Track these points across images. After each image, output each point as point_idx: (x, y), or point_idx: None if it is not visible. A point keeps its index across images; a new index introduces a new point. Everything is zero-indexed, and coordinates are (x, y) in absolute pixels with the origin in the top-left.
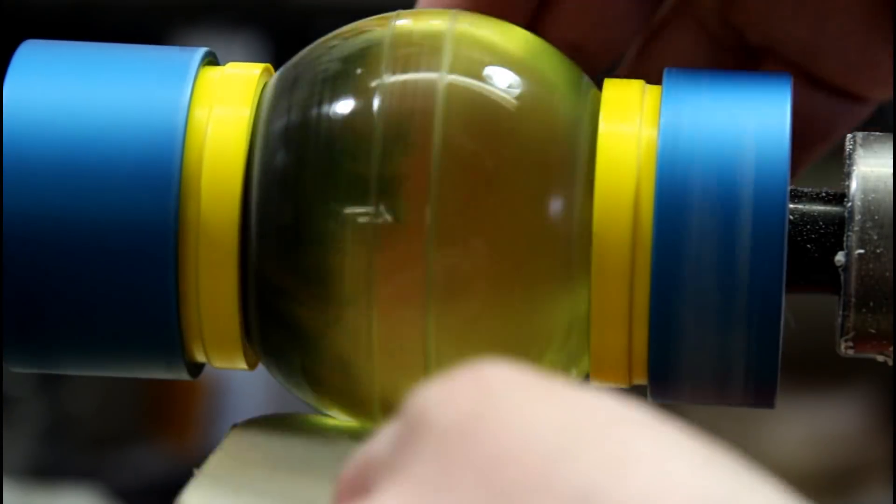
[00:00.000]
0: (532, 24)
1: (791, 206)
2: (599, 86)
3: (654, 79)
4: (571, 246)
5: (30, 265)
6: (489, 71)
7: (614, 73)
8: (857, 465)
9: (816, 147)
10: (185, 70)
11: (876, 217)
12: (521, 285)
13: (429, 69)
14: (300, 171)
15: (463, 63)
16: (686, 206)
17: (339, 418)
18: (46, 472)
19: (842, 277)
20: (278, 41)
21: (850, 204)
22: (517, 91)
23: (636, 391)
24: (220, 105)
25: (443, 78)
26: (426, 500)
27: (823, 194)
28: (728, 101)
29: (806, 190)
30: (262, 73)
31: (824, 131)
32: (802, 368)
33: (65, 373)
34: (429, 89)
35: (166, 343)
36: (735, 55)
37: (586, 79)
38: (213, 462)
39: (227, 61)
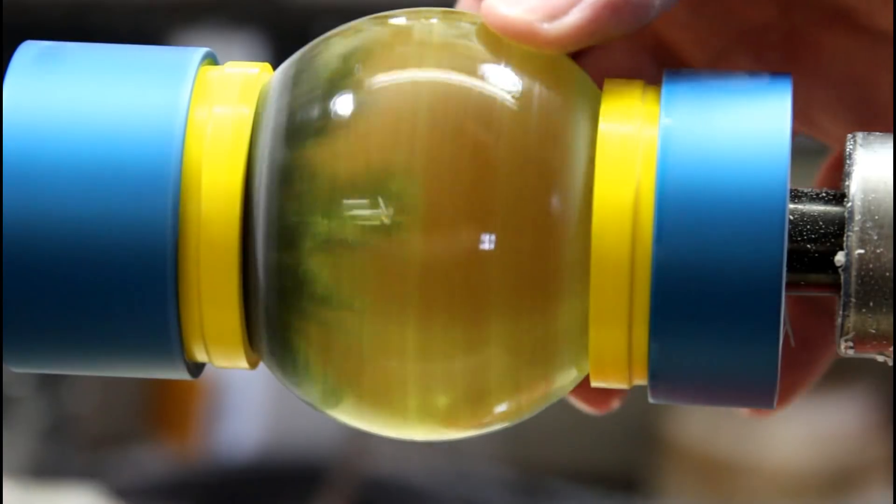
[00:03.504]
0: None
1: (791, 206)
2: (600, 85)
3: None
4: (571, 246)
5: (30, 265)
6: (489, 70)
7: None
8: (857, 465)
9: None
10: (185, 70)
11: (876, 217)
12: (520, 286)
13: (429, 68)
14: (301, 170)
15: (463, 62)
16: (686, 206)
17: (342, 418)
18: (46, 472)
19: (842, 277)
20: (278, 41)
21: (850, 204)
22: (517, 90)
23: (636, 391)
24: (220, 104)
25: (443, 77)
26: None
27: (823, 194)
28: (728, 100)
29: (806, 190)
30: (261, 72)
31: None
32: None
33: (65, 373)
34: (429, 88)
35: (167, 343)
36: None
37: (587, 77)
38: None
39: (227, 61)
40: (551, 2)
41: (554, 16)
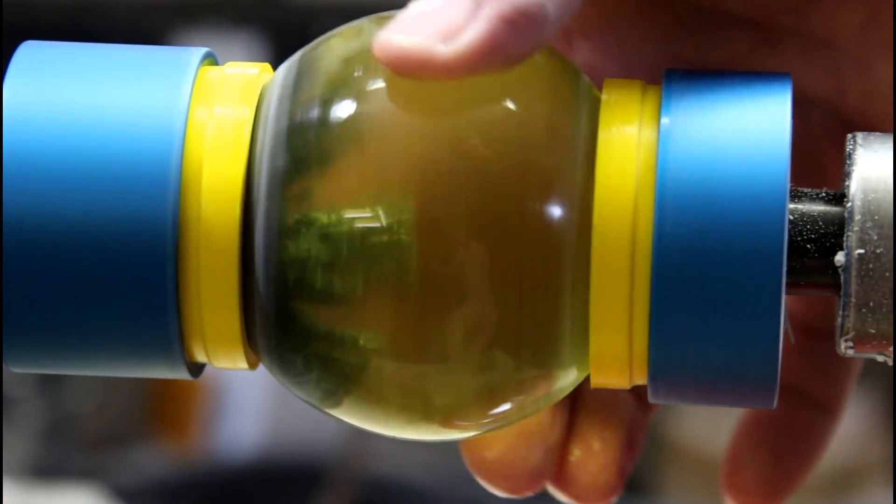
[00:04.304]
0: None
1: (791, 206)
2: (600, 85)
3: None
4: (571, 247)
5: (30, 265)
6: (489, 72)
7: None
8: (857, 465)
9: None
10: (185, 70)
11: (876, 217)
12: (521, 287)
13: None
14: (302, 172)
15: None
16: (686, 206)
17: (343, 418)
18: (46, 472)
19: (842, 277)
20: (278, 41)
21: (850, 204)
22: (517, 93)
23: (637, 391)
24: (220, 105)
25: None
26: None
27: (823, 194)
28: (728, 100)
29: (806, 190)
30: (261, 72)
31: None
32: None
33: (65, 373)
34: (429, 91)
35: (167, 343)
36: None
37: (586, 78)
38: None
39: (227, 61)
40: (443, 24)
41: (449, 36)
